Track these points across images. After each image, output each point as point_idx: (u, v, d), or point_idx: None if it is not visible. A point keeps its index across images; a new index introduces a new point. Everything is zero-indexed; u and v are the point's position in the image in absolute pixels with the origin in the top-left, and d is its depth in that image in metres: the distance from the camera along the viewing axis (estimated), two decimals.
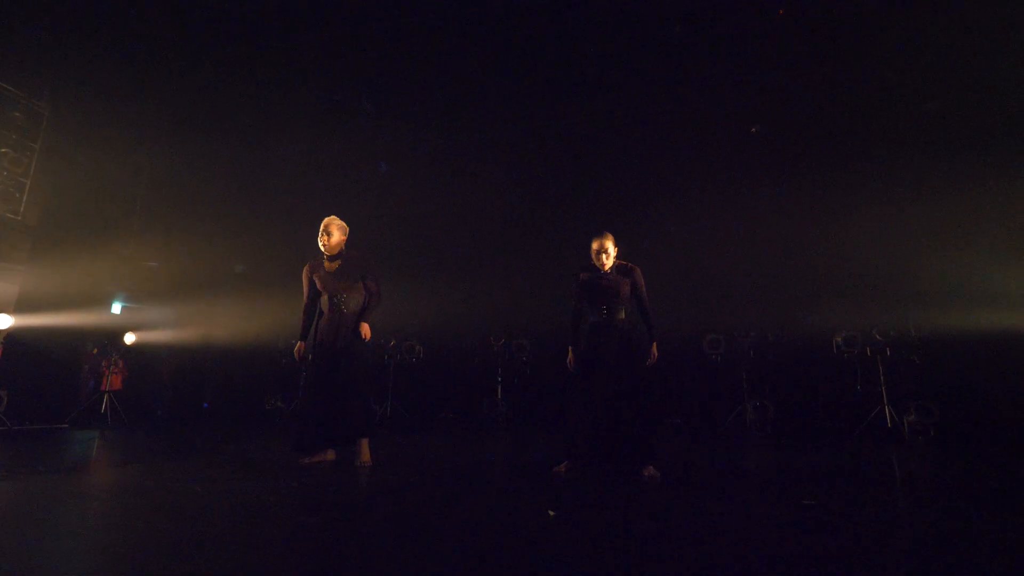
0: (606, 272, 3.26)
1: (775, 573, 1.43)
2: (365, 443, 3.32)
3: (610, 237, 3.27)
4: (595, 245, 3.27)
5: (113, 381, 7.25)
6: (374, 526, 1.92)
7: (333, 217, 3.50)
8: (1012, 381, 5.68)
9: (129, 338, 7.67)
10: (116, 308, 8.56)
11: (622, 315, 3.22)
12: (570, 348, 3.37)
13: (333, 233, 3.45)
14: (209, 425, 6.71)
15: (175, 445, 4.52)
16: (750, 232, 6.92)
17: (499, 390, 7.03)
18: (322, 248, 3.46)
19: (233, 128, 8.19)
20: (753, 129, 7.05)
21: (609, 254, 3.24)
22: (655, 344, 3.21)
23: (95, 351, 7.71)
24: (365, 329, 3.38)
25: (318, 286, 3.47)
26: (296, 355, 3.49)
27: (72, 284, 6.72)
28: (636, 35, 6.03)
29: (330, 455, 3.41)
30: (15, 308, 6.35)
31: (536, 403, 7.19)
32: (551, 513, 2.05)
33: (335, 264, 3.46)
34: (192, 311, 8.85)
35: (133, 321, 8.27)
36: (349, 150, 8.35)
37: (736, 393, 6.30)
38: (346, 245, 3.53)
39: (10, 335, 6.18)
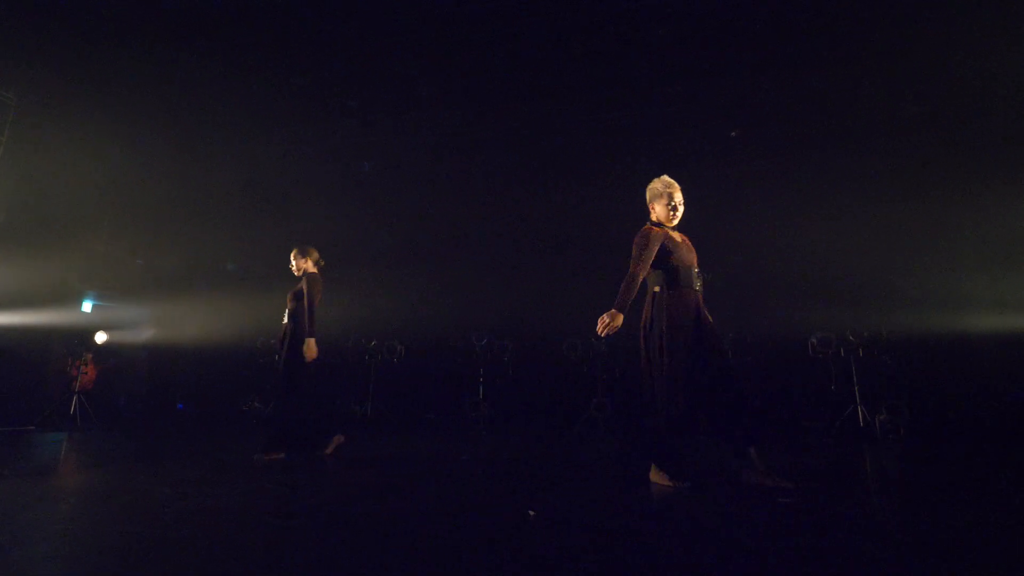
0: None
1: (753, 571, 1.46)
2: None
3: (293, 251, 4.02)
4: None
5: (83, 381, 7.03)
6: (355, 528, 1.90)
7: None
8: (979, 381, 5.87)
9: (100, 337, 7.45)
10: (87, 307, 8.30)
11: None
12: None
13: None
14: (183, 427, 6.56)
15: (147, 447, 4.40)
16: (728, 235, 7.02)
17: (481, 390, 7.01)
18: (674, 216, 2.86)
19: (214, 122, 8.00)
20: (732, 133, 7.15)
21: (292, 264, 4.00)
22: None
23: (69, 360, 7.43)
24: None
25: (671, 258, 2.76)
26: (608, 330, 2.60)
27: (40, 281, 6.50)
28: (622, 35, 6.07)
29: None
30: None
31: (518, 403, 7.19)
32: (531, 513, 2.06)
33: (678, 235, 2.88)
34: (166, 310, 8.64)
35: (105, 320, 8.03)
36: (332, 148, 8.24)
37: None
38: None
39: None
